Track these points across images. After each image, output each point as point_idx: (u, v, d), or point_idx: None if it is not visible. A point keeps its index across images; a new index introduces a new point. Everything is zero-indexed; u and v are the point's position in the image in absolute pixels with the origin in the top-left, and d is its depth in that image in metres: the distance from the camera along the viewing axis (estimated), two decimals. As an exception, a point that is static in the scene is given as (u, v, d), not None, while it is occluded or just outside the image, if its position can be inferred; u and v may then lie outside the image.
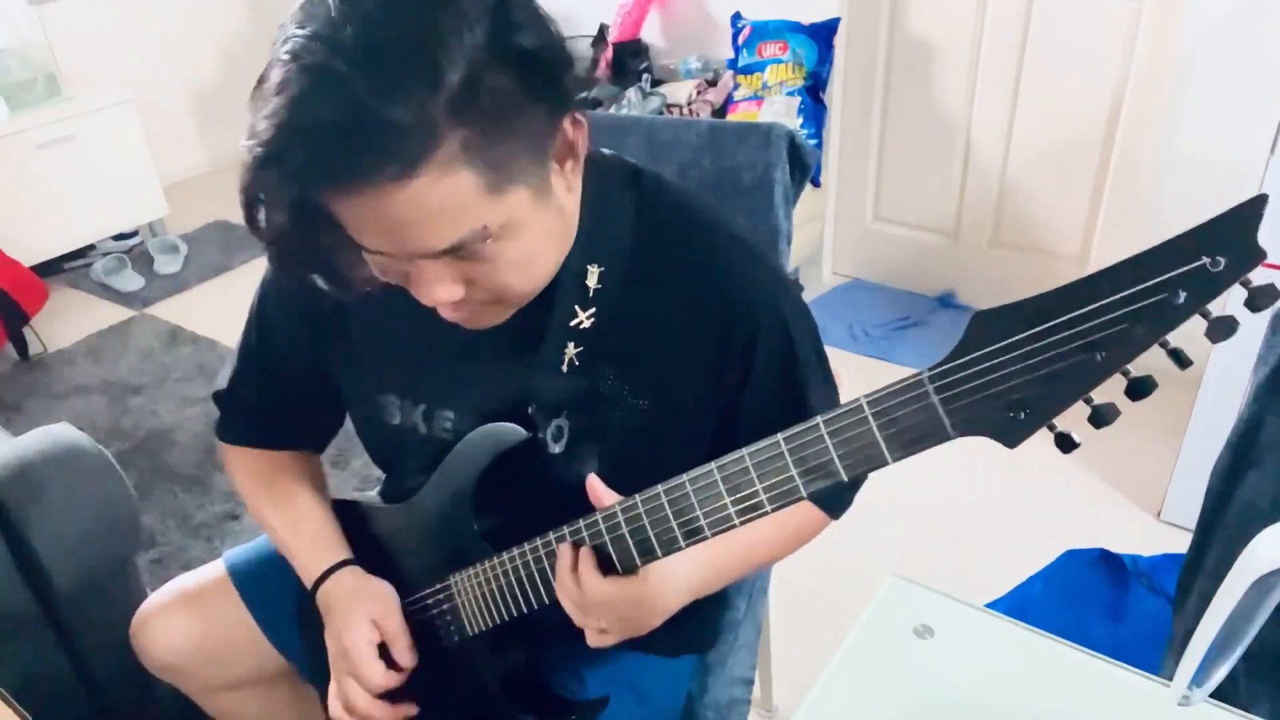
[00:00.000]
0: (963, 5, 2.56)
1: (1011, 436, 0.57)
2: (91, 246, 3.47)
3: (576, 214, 0.81)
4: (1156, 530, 2.01)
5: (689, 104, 2.79)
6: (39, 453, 1.27)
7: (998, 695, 0.80)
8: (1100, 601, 1.81)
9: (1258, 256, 0.50)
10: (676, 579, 0.82)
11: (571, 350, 0.84)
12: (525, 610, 0.86)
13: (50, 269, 3.31)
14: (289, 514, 1.02)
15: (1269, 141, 1.62)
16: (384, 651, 0.93)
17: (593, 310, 0.83)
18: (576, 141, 0.73)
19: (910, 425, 0.59)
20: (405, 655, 0.92)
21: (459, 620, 0.92)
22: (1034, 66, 2.52)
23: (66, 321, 3.08)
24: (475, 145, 0.64)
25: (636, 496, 0.73)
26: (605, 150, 0.87)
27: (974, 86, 2.63)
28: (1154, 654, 1.46)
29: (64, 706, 1.33)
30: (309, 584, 0.98)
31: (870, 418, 0.60)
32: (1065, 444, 0.56)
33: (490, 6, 0.64)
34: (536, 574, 0.83)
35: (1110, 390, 0.54)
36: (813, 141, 2.68)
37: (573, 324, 0.83)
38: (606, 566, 0.77)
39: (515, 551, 0.84)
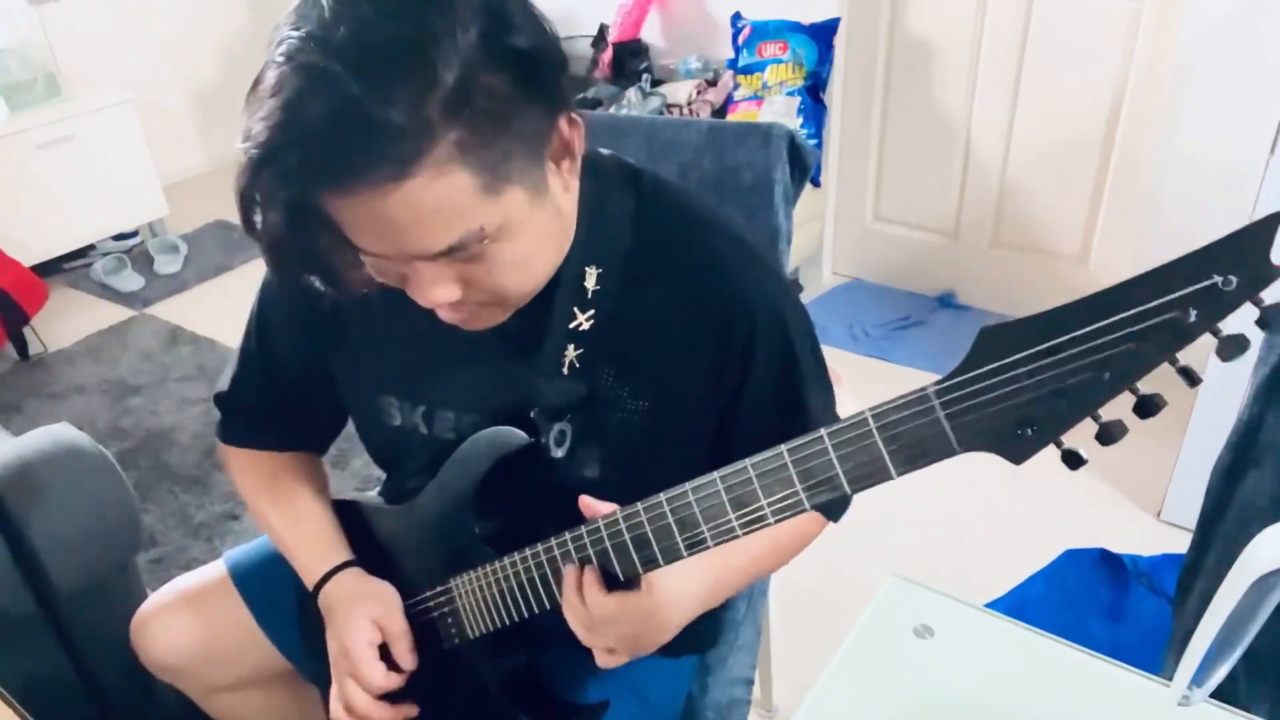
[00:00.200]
0: (963, 5, 2.56)
1: (1018, 453, 0.56)
2: (91, 246, 3.46)
3: (574, 215, 0.81)
4: (1156, 530, 2.01)
5: (689, 104, 2.79)
6: (39, 453, 1.27)
7: (998, 695, 0.80)
8: (1100, 601, 1.81)
9: (1271, 276, 0.49)
10: (683, 593, 0.81)
11: (571, 352, 0.84)
12: (526, 615, 0.86)
13: (50, 269, 3.31)
14: (290, 515, 1.02)
15: (1269, 141, 1.62)
16: (385, 653, 0.93)
17: (592, 312, 0.83)
18: (573, 142, 0.73)
19: (915, 440, 0.58)
20: (406, 657, 0.92)
21: (459, 623, 0.92)
22: (1034, 66, 2.51)
23: (66, 321, 3.08)
24: (470, 146, 0.64)
25: (639, 505, 0.73)
26: (604, 151, 0.87)
27: (974, 86, 2.63)
28: (1154, 654, 1.46)
29: (64, 707, 1.33)
30: (310, 585, 0.98)
31: (875, 431, 0.59)
32: (1073, 461, 0.56)
33: (484, 7, 0.64)
34: (538, 579, 0.83)
35: (1118, 407, 0.54)
36: (813, 141, 2.68)
37: (572, 326, 0.83)
38: (609, 578, 0.77)
39: (517, 556, 0.84)
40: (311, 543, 1.00)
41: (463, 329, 0.79)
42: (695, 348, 0.84)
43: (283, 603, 1.07)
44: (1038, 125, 2.58)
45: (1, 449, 1.28)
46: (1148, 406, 0.52)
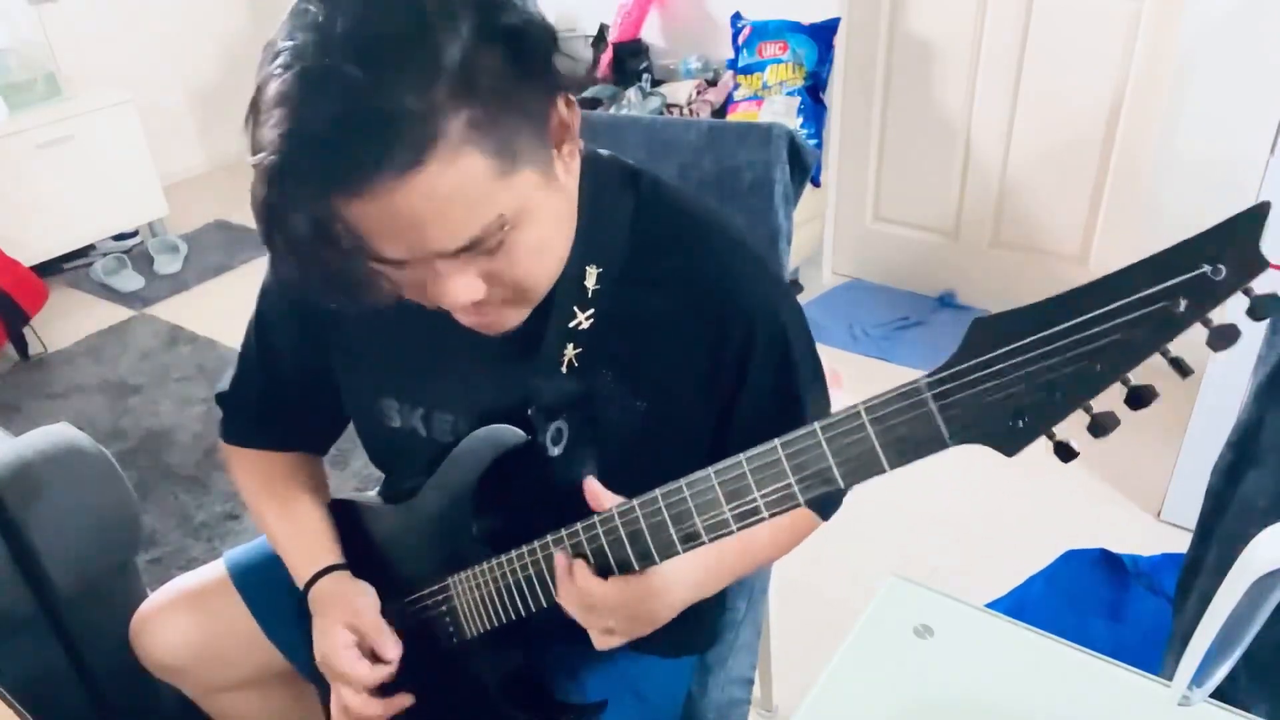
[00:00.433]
0: (963, 5, 2.56)
1: (1010, 445, 0.56)
2: (91, 246, 3.47)
3: (576, 199, 0.80)
4: (1156, 530, 2.01)
5: (689, 104, 2.79)
6: (39, 453, 1.27)
7: (998, 695, 0.80)
8: (1100, 601, 1.81)
9: (1260, 265, 0.49)
10: (682, 571, 0.81)
11: (570, 351, 0.84)
12: (523, 613, 0.86)
13: (50, 269, 3.31)
14: (284, 516, 1.02)
15: (1269, 141, 1.62)
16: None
17: (591, 311, 0.83)
18: (571, 123, 0.73)
19: (908, 433, 0.58)
20: (386, 648, 0.92)
21: (457, 621, 0.92)
22: (1034, 66, 2.52)
23: (66, 321, 3.09)
24: (480, 126, 0.63)
25: (634, 501, 0.73)
26: (602, 151, 0.87)
27: (974, 86, 2.63)
28: (1154, 654, 1.46)
29: (64, 706, 1.33)
30: (300, 586, 0.99)
31: (868, 425, 0.60)
32: (1064, 453, 0.56)
33: None
34: (535, 577, 0.83)
35: (1110, 399, 0.54)
36: (813, 141, 2.68)
37: (571, 325, 0.83)
38: (605, 571, 0.77)
39: (514, 554, 0.84)
40: (303, 544, 1.00)
41: (462, 330, 0.78)
42: (693, 349, 0.84)
43: (283, 603, 1.07)
44: (1038, 125, 2.58)
45: (1, 449, 1.28)
46: (1139, 397, 0.52)
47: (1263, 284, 0.50)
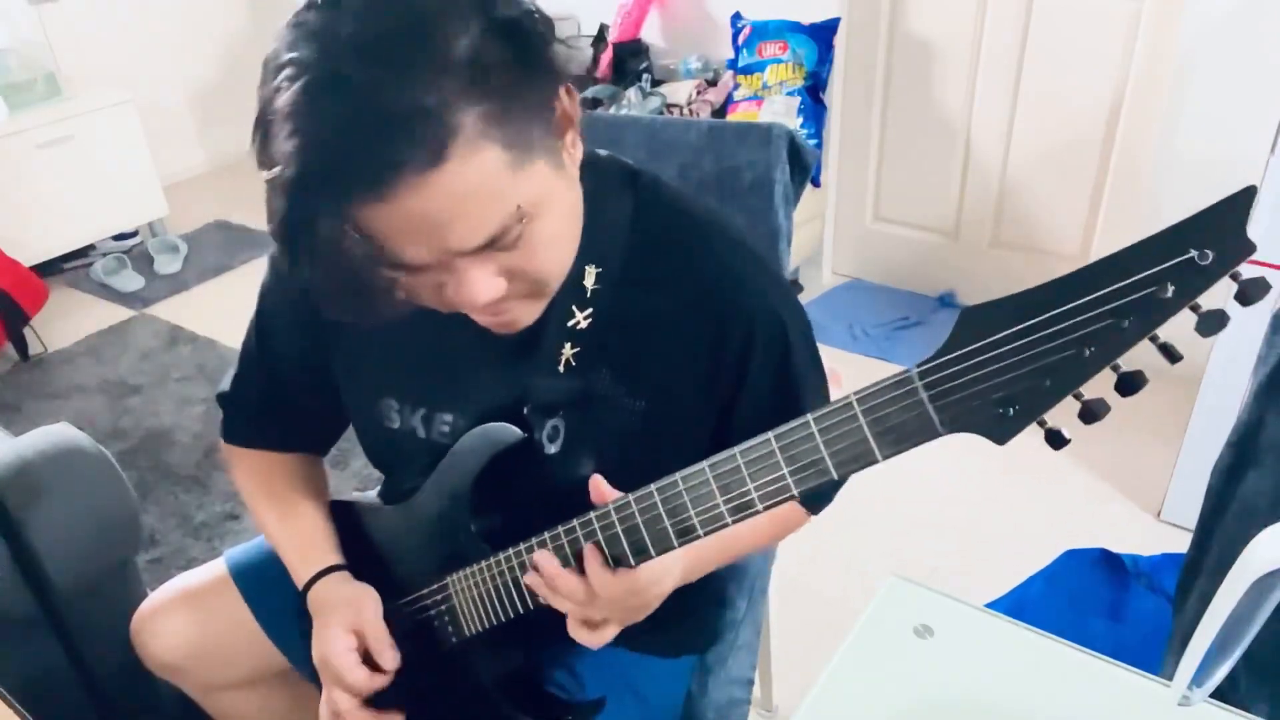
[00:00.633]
0: (963, 5, 2.56)
1: (1001, 433, 0.56)
2: (91, 246, 3.47)
3: (581, 191, 0.80)
4: (1156, 530, 2.01)
5: (689, 104, 2.79)
6: (39, 453, 1.28)
7: (998, 695, 0.81)
8: (1100, 601, 1.81)
9: (1246, 250, 0.49)
10: (671, 560, 0.81)
11: (569, 350, 0.84)
12: (521, 611, 0.86)
13: (50, 269, 3.31)
14: (284, 516, 1.02)
15: (1269, 141, 1.62)
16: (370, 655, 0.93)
17: (590, 310, 0.83)
18: (574, 113, 0.73)
19: (900, 422, 0.59)
20: (386, 658, 0.92)
21: (456, 621, 0.92)
22: (1034, 66, 2.52)
23: (66, 321, 3.09)
24: (494, 119, 0.63)
25: (630, 495, 0.73)
26: (602, 151, 0.87)
27: (974, 86, 2.63)
28: (1154, 654, 1.46)
29: (64, 706, 1.33)
30: (299, 586, 0.98)
31: (860, 415, 0.60)
32: (1055, 440, 0.56)
33: None
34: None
35: (1100, 386, 0.54)
36: (813, 141, 2.68)
37: (570, 324, 0.83)
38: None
39: (511, 551, 0.84)
40: (301, 544, 1.00)
41: (462, 331, 0.78)
42: (693, 350, 0.84)
43: (283, 602, 1.07)
44: (1038, 125, 2.58)
45: (1, 449, 1.28)
46: (1130, 384, 0.53)
47: (1250, 268, 0.50)
